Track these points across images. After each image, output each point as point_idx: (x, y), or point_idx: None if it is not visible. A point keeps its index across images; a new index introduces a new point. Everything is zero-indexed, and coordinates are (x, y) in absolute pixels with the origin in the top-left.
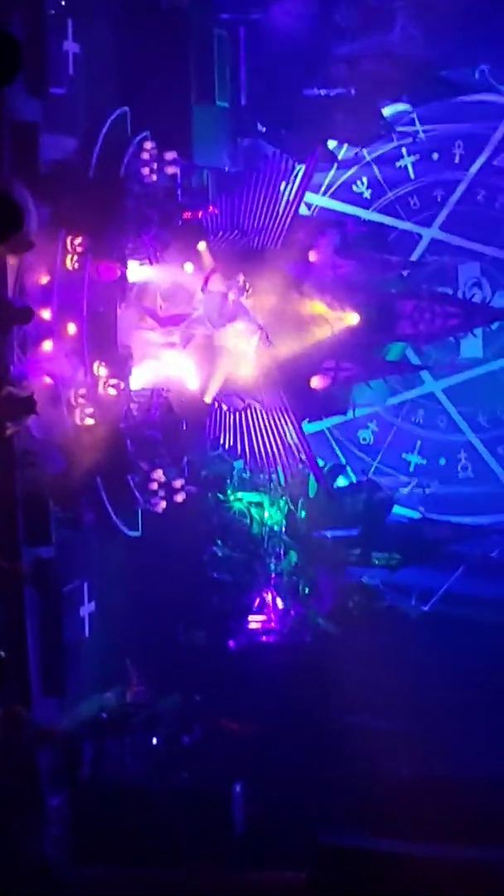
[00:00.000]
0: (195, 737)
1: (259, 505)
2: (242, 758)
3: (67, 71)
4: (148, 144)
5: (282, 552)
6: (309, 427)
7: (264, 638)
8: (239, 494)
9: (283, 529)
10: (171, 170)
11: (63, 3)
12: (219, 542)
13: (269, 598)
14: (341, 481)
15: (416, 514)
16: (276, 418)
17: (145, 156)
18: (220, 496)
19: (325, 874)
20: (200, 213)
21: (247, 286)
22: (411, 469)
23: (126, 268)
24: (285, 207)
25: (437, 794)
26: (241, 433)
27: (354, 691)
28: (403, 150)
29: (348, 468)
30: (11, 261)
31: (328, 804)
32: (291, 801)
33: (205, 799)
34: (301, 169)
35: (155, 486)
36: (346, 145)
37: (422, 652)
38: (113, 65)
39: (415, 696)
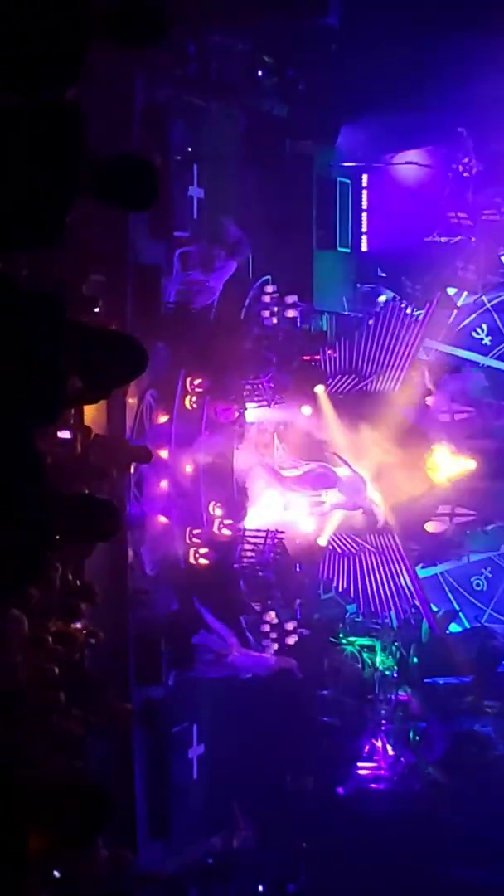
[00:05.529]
0: (301, 884)
1: (371, 649)
2: None
3: (192, 215)
4: (269, 288)
5: (393, 698)
6: (423, 572)
7: (373, 785)
8: (351, 638)
9: (395, 675)
10: (291, 313)
11: (189, 149)
12: (330, 685)
13: (378, 744)
14: (454, 627)
15: None
16: (390, 562)
17: (266, 299)
18: (332, 639)
19: None
20: (319, 357)
21: None
22: None
23: (244, 409)
24: (404, 352)
25: None
26: (355, 576)
27: (465, 843)
28: None
29: (461, 614)
30: (131, 399)
31: None
32: None
33: None
34: (420, 315)
35: (267, 627)
36: (465, 292)
37: None
38: (236, 209)
39: None
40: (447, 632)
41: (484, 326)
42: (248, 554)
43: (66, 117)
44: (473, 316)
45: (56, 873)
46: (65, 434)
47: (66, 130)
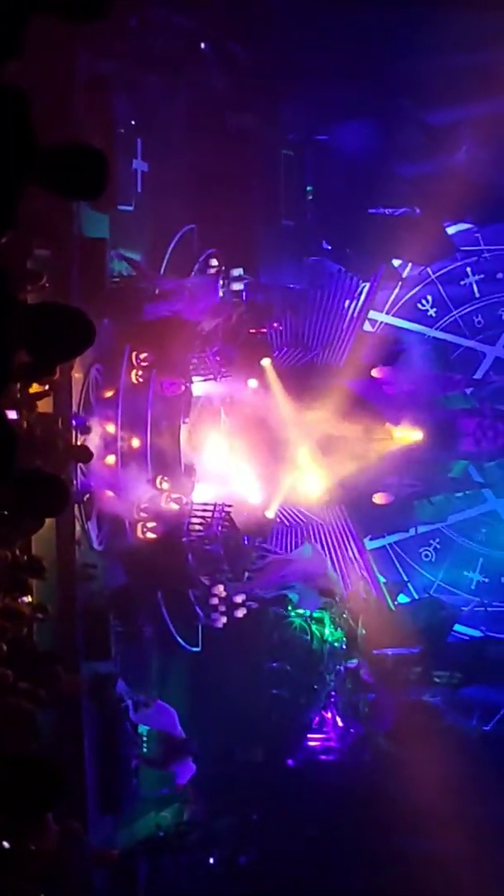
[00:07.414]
0: (252, 856)
1: (320, 621)
2: (299, 879)
3: (136, 188)
4: (214, 262)
5: (342, 669)
6: (371, 543)
7: (323, 757)
8: (300, 610)
9: (344, 646)
10: (236, 286)
11: (133, 122)
12: (279, 658)
13: (328, 715)
14: (403, 598)
15: (477, 633)
16: (338, 534)
17: (211, 272)
18: (281, 612)
19: None
20: (265, 330)
21: None
22: (473, 587)
23: (190, 383)
24: (349, 324)
25: None
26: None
27: (414, 813)
28: (468, 269)
29: (410, 585)
30: (77, 374)
31: None
32: None
33: None
34: (365, 287)
35: (216, 601)
36: (410, 264)
37: (483, 773)
38: (180, 182)
39: (475, 819)
40: (396, 603)
41: (429, 298)
42: (196, 527)
43: (10, 102)
44: (418, 288)
45: (5, 843)
46: (12, 414)
47: (12, 116)
